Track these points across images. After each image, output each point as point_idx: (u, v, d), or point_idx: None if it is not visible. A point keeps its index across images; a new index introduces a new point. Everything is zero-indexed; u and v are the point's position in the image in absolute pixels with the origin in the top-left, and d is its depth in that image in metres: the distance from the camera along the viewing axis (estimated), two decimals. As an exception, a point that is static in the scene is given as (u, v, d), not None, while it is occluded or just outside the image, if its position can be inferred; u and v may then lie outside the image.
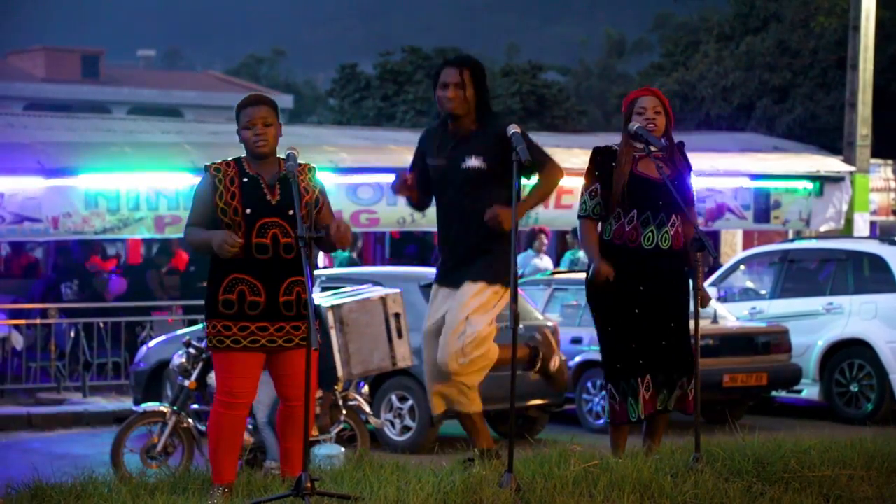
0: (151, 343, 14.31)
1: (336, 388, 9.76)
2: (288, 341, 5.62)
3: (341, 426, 9.81)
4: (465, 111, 6.16)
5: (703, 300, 6.19)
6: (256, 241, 5.56)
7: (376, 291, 10.15)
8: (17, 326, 15.35)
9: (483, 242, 6.05)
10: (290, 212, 5.56)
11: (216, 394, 5.64)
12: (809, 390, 13.91)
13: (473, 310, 5.95)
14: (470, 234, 6.10)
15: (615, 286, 6.22)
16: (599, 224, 6.36)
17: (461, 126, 6.18)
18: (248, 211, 5.56)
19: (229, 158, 5.73)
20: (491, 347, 6.14)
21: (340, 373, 9.65)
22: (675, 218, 6.27)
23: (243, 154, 5.76)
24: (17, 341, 15.36)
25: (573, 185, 15.03)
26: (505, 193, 6.01)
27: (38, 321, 15.40)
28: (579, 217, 6.38)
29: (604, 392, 6.50)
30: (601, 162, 6.32)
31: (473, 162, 6.10)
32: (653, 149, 6.22)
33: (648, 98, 6.33)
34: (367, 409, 10.29)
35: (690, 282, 6.32)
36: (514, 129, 5.89)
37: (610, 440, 6.37)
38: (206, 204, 5.62)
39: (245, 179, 5.62)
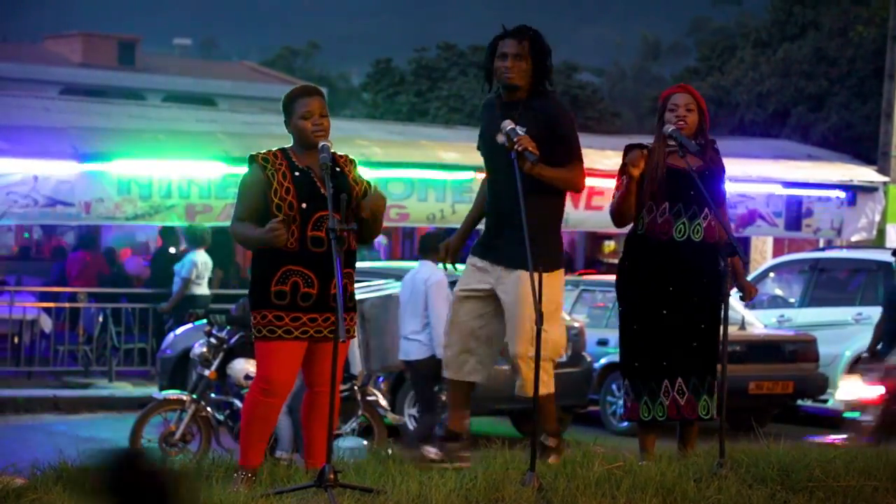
0: (178, 330, 14.38)
1: (355, 382, 9.80)
2: (333, 332, 5.64)
3: (358, 420, 9.84)
4: (523, 83, 6.08)
5: (749, 293, 6.23)
6: (312, 234, 5.59)
7: (398, 288, 10.16)
8: (46, 309, 15.45)
9: (534, 220, 5.84)
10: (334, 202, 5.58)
11: (255, 380, 5.69)
12: (836, 400, 13.84)
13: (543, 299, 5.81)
14: (515, 211, 5.85)
15: (645, 284, 6.19)
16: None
17: (513, 97, 6.11)
18: (304, 205, 5.58)
19: (275, 149, 5.73)
20: (557, 338, 6.11)
21: (360, 368, 9.68)
22: (708, 212, 6.23)
23: (283, 145, 5.76)
24: (46, 324, 15.46)
25: (605, 186, 15.08)
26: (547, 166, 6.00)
27: (66, 305, 15.49)
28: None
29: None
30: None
31: (519, 132, 5.95)
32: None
33: (681, 95, 6.29)
34: (384, 403, 10.32)
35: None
36: (508, 124, 5.90)
37: (638, 441, 6.35)
38: (258, 197, 5.60)
39: (297, 173, 5.63)
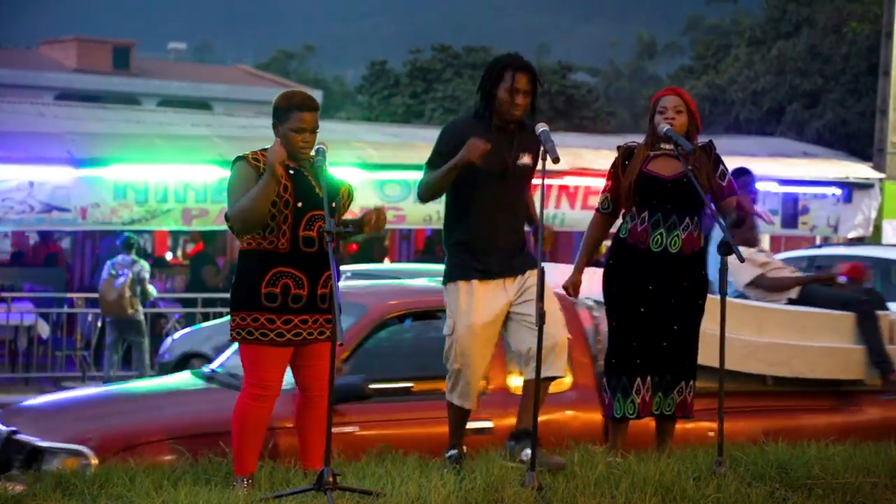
0: (176, 335, 14.38)
1: None
2: (321, 333, 5.64)
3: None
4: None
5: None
6: (304, 235, 5.58)
7: None
8: (43, 315, 15.44)
9: (522, 235, 6.09)
10: (333, 204, 5.58)
11: (245, 385, 5.62)
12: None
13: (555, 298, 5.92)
14: (517, 228, 6.09)
15: (625, 282, 6.23)
16: (616, 221, 6.42)
17: (507, 125, 6.09)
18: (299, 204, 5.57)
19: (259, 150, 5.72)
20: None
21: None
22: (689, 221, 6.25)
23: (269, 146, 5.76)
24: (43, 330, 15.46)
25: (601, 185, 15.07)
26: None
27: (64, 310, 15.50)
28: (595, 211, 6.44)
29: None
30: (618, 159, 6.36)
31: (527, 160, 6.07)
32: (670, 147, 6.23)
33: (670, 97, 6.31)
34: None
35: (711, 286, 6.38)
36: (542, 126, 5.90)
37: (609, 434, 6.34)
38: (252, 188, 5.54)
39: (291, 171, 5.63)
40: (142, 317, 14.91)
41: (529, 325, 5.89)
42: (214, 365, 8.01)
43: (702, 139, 6.47)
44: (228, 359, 7.89)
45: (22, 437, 6.88)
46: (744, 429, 7.26)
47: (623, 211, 6.36)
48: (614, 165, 6.36)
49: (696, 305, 6.29)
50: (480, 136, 6.02)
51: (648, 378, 6.23)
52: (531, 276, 6.02)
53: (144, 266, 14.86)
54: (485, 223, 6.10)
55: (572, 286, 6.35)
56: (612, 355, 6.32)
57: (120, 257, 14.91)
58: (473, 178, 6.05)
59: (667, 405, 6.26)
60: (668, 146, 6.27)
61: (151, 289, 15.07)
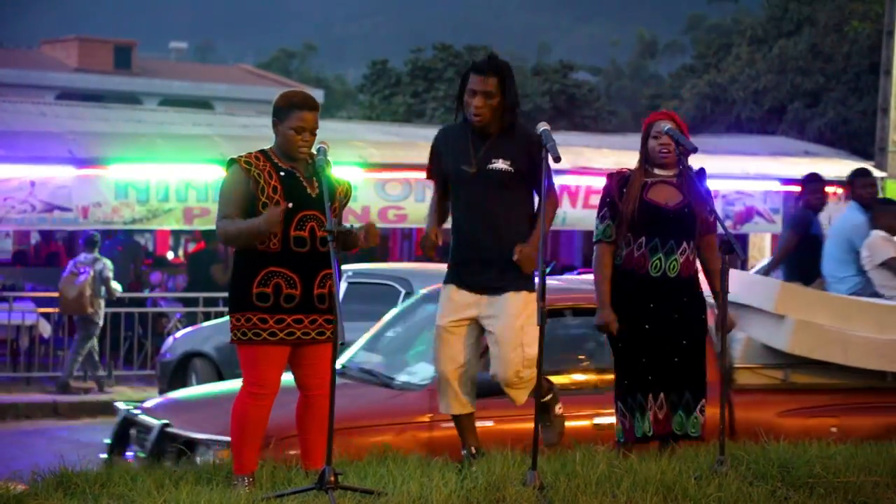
0: (178, 334, 14.38)
1: None
2: (320, 334, 5.63)
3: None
4: (491, 120, 6.01)
5: (730, 324, 6.19)
6: (295, 234, 5.57)
7: None
8: (44, 314, 15.44)
9: (511, 247, 5.94)
10: (332, 204, 5.57)
11: (244, 385, 5.63)
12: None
13: (526, 323, 5.87)
14: (497, 239, 5.96)
15: (624, 304, 6.20)
16: (615, 249, 6.33)
17: (486, 129, 6.04)
18: (290, 205, 5.56)
19: (254, 151, 5.71)
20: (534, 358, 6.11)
21: None
22: (686, 246, 6.24)
23: (268, 146, 5.75)
24: (45, 329, 15.46)
25: (601, 185, 15.06)
26: (528, 197, 6.03)
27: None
28: (594, 243, 6.36)
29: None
30: (613, 187, 6.30)
31: (501, 164, 5.97)
32: (665, 173, 6.22)
33: (664, 122, 6.30)
34: None
35: (709, 307, 6.38)
36: (543, 126, 5.87)
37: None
38: (243, 196, 5.55)
39: (282, 173, 5.62)
40: (100, 319, 14.86)
41: (494, 356, 6.02)
42: (342, 361, 8.20)
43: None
44: (355, 354, 8.17)
45: (175, 429, 7.18)
46: (864, 425, 7.55)
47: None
48: (609, 194, 6.29)
49: (700, 319, 6.29)
50: (458, 143, 6.08)
51: (661, 395, 6.20)
52: (511, 299, 5.94)
53: (107, 264, 14.82)
54: (462, 231, 6.12)
55: (610, 324, 6.23)
56: (622, 376, 6.26)
57: (82, 255, 14.90)
58: (455, 187, 6.11)
59: (691, 426, 6.22)
60: (663, 172, 6.28)
61: (116, 286, 15.00)
